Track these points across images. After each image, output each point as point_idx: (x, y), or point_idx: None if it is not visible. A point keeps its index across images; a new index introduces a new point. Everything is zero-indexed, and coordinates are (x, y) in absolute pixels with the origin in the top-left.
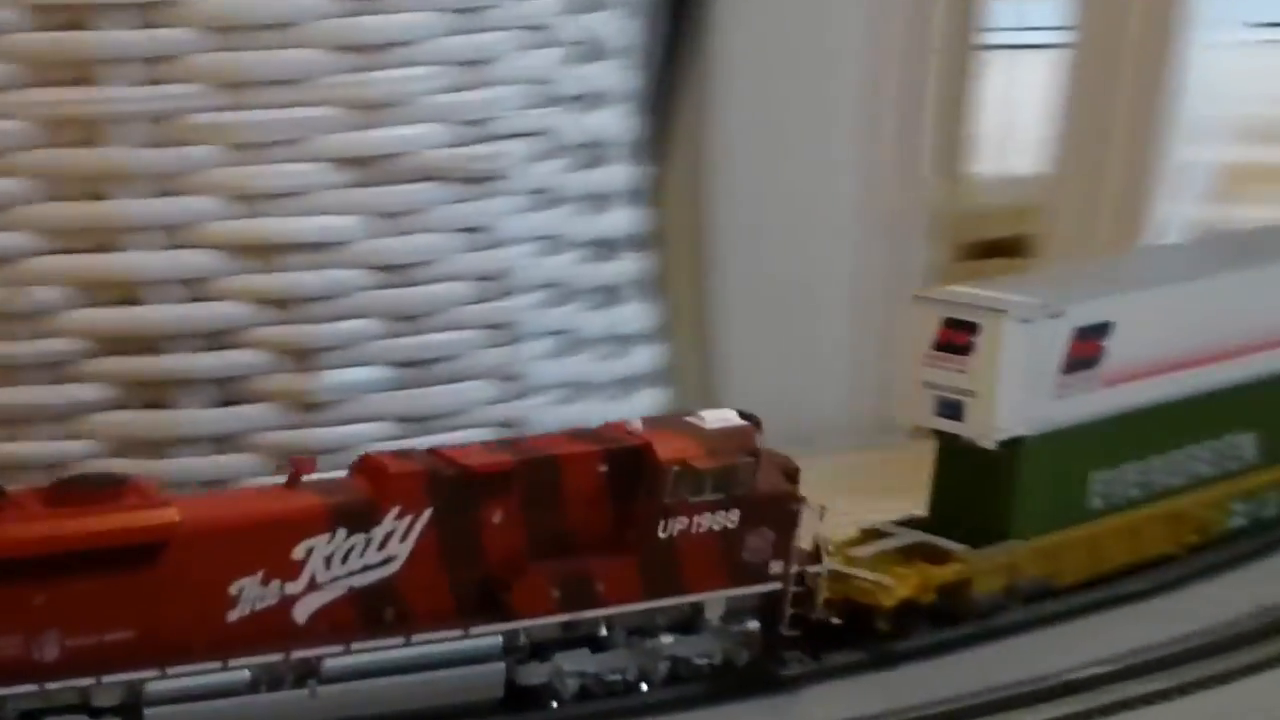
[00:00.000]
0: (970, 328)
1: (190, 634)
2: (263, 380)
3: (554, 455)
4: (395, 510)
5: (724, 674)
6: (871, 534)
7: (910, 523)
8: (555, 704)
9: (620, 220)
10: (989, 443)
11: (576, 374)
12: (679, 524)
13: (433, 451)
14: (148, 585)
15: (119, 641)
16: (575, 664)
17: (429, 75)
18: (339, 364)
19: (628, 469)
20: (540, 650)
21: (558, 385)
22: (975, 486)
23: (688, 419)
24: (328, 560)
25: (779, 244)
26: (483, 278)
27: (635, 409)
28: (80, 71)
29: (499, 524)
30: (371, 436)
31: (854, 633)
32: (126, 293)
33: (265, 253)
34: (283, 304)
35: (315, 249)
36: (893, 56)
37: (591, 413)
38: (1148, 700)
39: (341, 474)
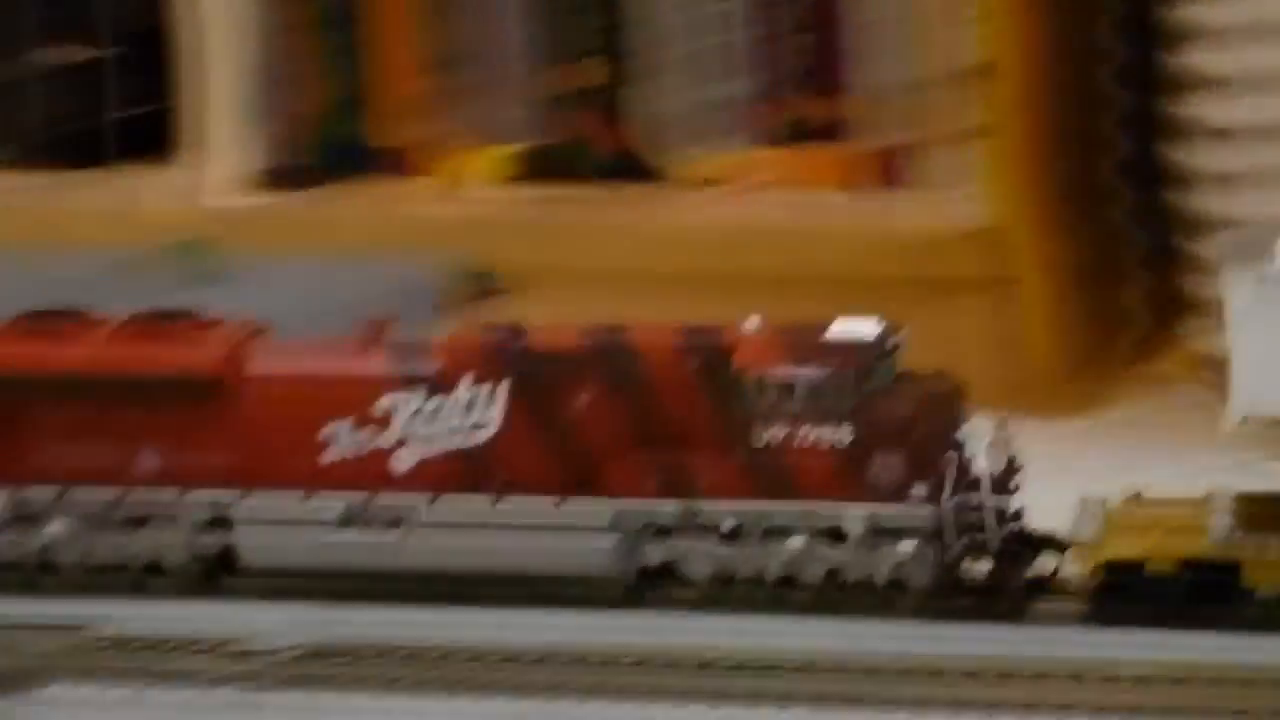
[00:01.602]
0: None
1: (281, 468)
2: None
3: (634, 346)
4: (470, 376)
5: (889, 590)
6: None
7: None
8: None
9: None
10: (1234, 417)
11: None
12: (779, 432)
13: (515, 329)
14: (223, 416)
15: (210, 463)
16: (701, 551)
17: None
18: None
19: (721, 371)
20: (661, 534)
21: None
22: None
23: (816, 327)
24: (415, 417)
25: None
26: None
27: None
28: None
29: (588, 407)
30: None
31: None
32: None
33: None
34: None
35: None
36: None
37: None
38: None
39: (422, 338)
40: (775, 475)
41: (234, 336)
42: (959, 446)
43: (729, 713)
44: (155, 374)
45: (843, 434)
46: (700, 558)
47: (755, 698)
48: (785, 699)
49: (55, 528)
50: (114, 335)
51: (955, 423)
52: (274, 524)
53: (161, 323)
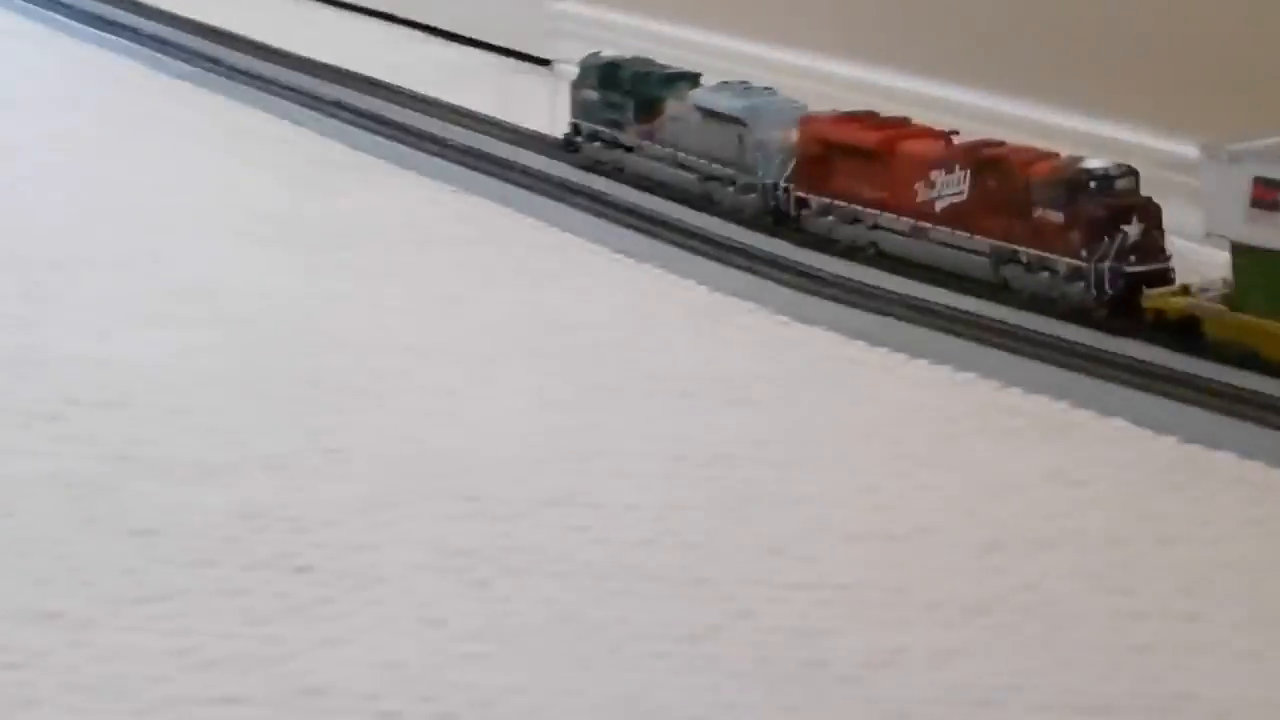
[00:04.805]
0: None
1: (908, 203)
2: None
3: (1005, 158)
4: (957, 164)
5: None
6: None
7: None
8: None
9: None
10: None
11: None
12: (1039, 213)
13: (980, 142)
14: (886, 171)
15: (879, 197)
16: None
17: None
18: None
19: (1018, 179)
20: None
21: None
22: None
23: (1074, 157)
24: (945, 183)
25: None
26: None
27: None
28: None
29: (995, 188)
30: None
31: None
32: None
33: None
34: None
35: None
36: None
37: None
38: None
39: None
40: (1036, 236)
41: (896, 130)
42: (1125, 235)
43: None
44: (860, 147)
45: (1057, 217)
46: (1022, 277)
47: None
48: None
49: (854, 228)
50: (855, 122)
51: (1125, 218)
52: (892, 231)
53: (879, 118)
